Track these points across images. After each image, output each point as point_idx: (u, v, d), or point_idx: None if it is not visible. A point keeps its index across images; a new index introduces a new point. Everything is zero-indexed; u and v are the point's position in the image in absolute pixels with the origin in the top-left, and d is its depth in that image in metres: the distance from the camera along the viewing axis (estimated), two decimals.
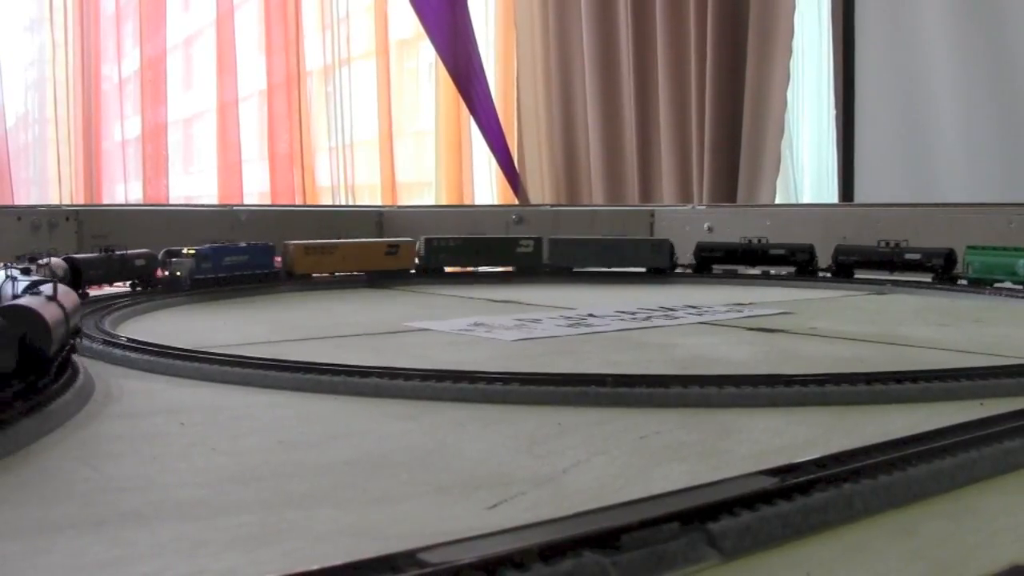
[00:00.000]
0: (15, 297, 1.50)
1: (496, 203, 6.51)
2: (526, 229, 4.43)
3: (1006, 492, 1.00)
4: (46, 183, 5.90)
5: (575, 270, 3.84)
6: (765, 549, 0.82)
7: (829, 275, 3.58)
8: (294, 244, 3.52)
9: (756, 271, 3.75)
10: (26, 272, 1.92)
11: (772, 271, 3.71)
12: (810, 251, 3.63)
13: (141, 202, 5.88)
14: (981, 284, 3.15)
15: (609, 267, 3.85)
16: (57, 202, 5.19)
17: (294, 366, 1.61)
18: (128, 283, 2.99)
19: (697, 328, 2.38)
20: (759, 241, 3.74)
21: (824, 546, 0.84)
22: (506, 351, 2.03)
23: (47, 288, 1.50)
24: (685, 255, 3.92)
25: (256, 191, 6.34)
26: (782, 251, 3.68)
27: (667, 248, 3.84)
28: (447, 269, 3.88)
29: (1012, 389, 1.48)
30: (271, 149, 6.35)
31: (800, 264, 3.64)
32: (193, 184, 6.95)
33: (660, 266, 3.82)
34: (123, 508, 0.96)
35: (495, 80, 6.72)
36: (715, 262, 3.83)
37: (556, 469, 1.10)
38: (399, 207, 5.67)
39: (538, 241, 3.86)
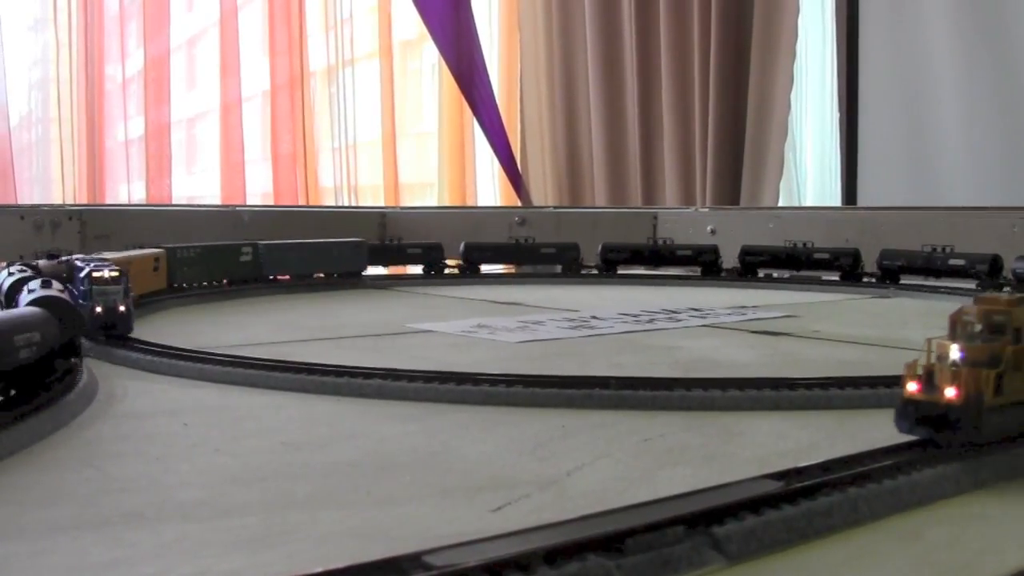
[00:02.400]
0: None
1: (499, 204, 6.51)
2: (528, 231, 4.42)
3: (1012, 497, 1.00)
4: (49, 183, 5.91)
5: (292, 276, 3.38)
6: (770, 553, 0.82)
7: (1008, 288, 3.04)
8: None
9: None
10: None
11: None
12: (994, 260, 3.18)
13: (144, 202, 5.88)
14: None
15: (316, 271, 3.45)
16: (60, 202, 5.20)
17: (297, 367, 1.61)
18: None
19: (700, 331, 2.38)
20: (944, 250, 3.31)
21: (829, 550, 0.84)
22: (509, 353, 2.03)
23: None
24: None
25: (259, 191, 6.35)
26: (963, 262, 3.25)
27: (364, 249, 3.56)
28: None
29: None
30: (274, 150, 6.36)
31: (979, 274, 3.17)
32: (196, 184, 6.95)
33: (355, 270, 3.51)
34: (126, 509, 0.96)
35: (498, 81, 6.72)
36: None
37: (560, 472, 1.09)
38: (402, 208, 5.67)
39: (256, 247, 3.32)
